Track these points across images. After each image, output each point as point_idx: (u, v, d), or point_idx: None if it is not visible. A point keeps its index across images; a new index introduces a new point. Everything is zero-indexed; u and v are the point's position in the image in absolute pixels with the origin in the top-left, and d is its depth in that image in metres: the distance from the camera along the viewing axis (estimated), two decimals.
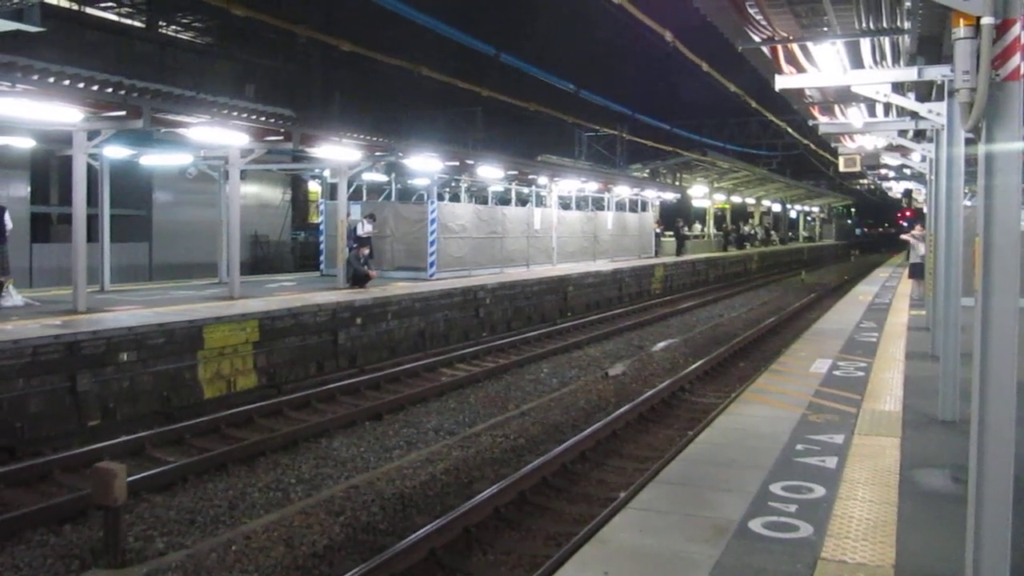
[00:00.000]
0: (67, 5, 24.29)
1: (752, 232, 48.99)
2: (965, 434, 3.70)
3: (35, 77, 10.00)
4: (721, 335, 18.02)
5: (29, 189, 18.65)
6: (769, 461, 6.03)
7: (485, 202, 24.13)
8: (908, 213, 43.12)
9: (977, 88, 3.31)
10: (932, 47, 8.60)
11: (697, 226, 45.45)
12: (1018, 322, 3.38)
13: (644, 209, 33.05)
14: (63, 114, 10.78)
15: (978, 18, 3.32)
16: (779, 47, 9.11)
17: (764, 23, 8.34)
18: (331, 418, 10.19)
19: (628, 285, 25.79)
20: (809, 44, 9.19)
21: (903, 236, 19.65)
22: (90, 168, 12.74)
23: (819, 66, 9.87)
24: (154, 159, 16.69)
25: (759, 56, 9.57)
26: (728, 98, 29.96)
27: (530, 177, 23.70)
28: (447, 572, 6.11)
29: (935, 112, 8.48)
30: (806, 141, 39.65)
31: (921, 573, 4.21)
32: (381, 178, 21.22)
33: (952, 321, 7.67)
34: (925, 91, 10.51)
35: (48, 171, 20.87)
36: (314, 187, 27.83)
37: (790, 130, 37.89)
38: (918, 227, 19.06)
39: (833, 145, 18.35)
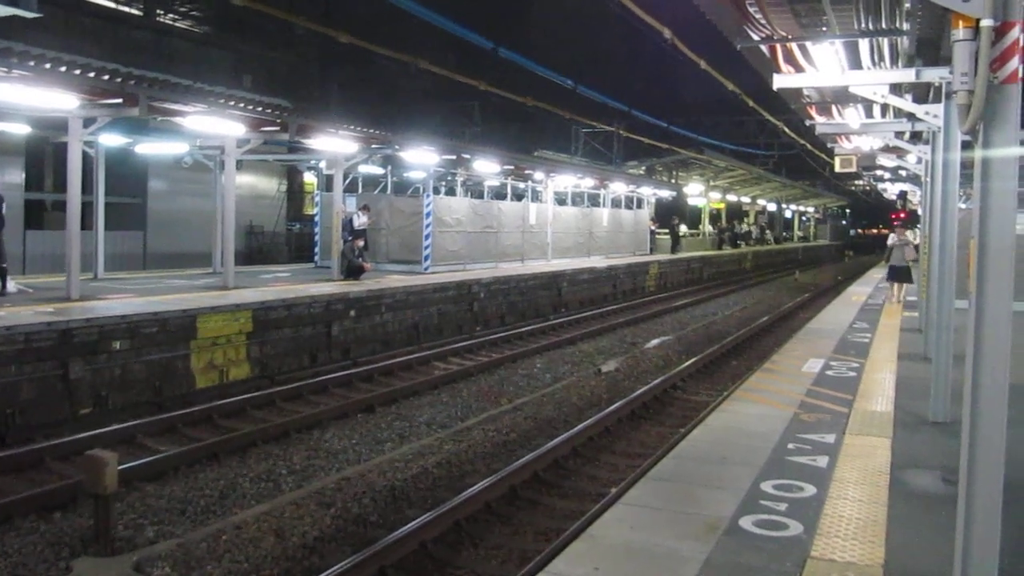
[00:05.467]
0: None
1: (747, 231, 49.08)
2: (956, 435, 3.71)
3: (31, 63, 9.93)
4: (714, 333, 18.05)
5: (23, 175, 18.59)
6: (760, 459, 6.05)
7: (481, 196, 24.10)
8: (902, 215, 43.01)
9: (975, 90, 3.30)
10: (930, 49, 8.59)
11: (705, 227, 45.48)
12: (1011, 326, 3.39)
13: (640, 206, 33.08)
14: (59, 100, 10.73)
15: (977, 20, 3.31)
16: (778, 46, 9.10)
17: (763, 22, 8.33)
18: (323, 410, 10.18)
19: (622, 282, 25.81)
20: (808, 44, 9.17)
21: (891, 241, 16.98)
22: (85, 155, 12.69)
23: (817, 66, 9.85)
24: (150, 147, 16.65)
25: (758, 55, 9.55)
26: (726, 97, 29.88)
27: (526, 172, 23.68)
28: (437, 565, 6.12)
29: (932, 114, 8.48)
30: (802, 141, 39.58)
31: (910, 573, 4.23)
32: (377, 170, 21.19)
33: (945, 323, 7.69)
34: (922, 93, 10.51)
35: (43, 158, 20.78)
36: (310, 178, 27.77)
37: (787, 130, 37.83)
38: (908, 231, 18.16)
39: (829, 145, 18.31)
